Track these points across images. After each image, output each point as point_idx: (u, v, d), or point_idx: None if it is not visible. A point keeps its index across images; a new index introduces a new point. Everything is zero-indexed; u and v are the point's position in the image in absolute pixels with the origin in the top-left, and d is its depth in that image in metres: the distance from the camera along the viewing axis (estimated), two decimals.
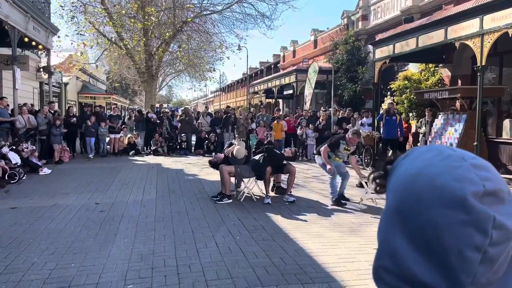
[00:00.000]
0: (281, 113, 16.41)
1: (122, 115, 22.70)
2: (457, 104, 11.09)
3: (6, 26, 10.78)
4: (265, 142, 8.98)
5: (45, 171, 10.28)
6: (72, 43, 20.09)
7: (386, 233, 0.64)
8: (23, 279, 3.71)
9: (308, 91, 17.16)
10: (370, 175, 0.76)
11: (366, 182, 7.08)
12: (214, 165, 7.82)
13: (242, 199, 7.16)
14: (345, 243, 4.89)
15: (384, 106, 12.21)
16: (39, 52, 15.39)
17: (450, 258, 0.56)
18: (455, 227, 0.56)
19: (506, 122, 10.19)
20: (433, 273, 0.58)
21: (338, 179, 7.15)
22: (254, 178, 7.39)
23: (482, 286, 0.57)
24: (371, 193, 6.80)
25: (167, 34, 19.44)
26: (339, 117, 14.22)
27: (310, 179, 9.82)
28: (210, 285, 3.60)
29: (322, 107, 16.65)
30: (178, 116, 16.91)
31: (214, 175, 8.85)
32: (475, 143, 8.51)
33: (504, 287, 0.59)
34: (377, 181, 0.73)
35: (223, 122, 15.64)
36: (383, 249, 0.64)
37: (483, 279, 0.56)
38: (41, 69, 15.72)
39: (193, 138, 16.82)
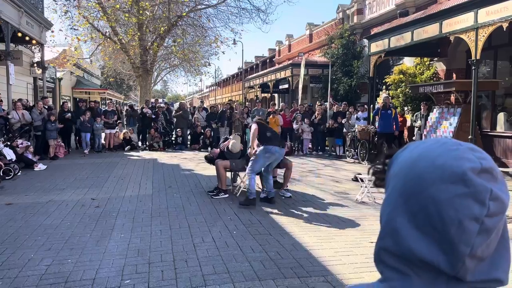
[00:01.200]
0: (276, 107, 16.39)
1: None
2: (452, 97, 11.13)
3: None
4: None
5: (40, 167, 10.23)
6: (66, 38, 19.98)
7: (388, 215, 0.67)
8: (20, 275, 3.71)
9: (300, 86, 17.30)
10: (369, 169, 0.79)
11: (361, 178, 7.10)
12: (210, 160, 7.82)
13: (238, 194, 7.17)
14: (341, 237, 4.92)
15: (380, 100, 12.24)
16: (33, 47, 15.25)
17: (450, 230, 0.60)
18: (455, 200, 0.60)
19: (501, 116, 10.26)
20: (432, 248, 0.61)
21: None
22: None
23: (477, 259, 0.61)
24: (365, 187, 6.83)
25: (162, 28, 19.31)
26: (335, 111, 14.24)
27: (306, 173, 9.85)
28: (207, 280, 3.62)
29: (317, 101, 16.66)
30: (174, 112, 16.86)
31: (210, 170, 8.86)
32: (469, 137, 8.56)
33: (494, 265, 0.64)
34: (377, 175, 0.76)
35: (219, 117, 15.62)
36: (385, 231, 0.67)
37: (479, 251, 0.61)
38: (35, 64, 15.60)
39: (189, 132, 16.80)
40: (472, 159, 0.61)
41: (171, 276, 3.69)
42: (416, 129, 11.66)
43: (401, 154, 0.70)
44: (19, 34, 12.34)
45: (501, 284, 0.64)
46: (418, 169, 0.63)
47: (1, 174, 8.58)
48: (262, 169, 6.80)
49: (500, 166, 9.41)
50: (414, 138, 11.77)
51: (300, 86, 17.18)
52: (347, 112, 13.86)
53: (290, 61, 21.47)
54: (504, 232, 0.65)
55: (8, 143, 9.86)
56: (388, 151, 0.75)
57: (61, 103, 16.71)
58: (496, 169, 0.63)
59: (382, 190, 0.72)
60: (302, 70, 16.79)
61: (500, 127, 10.18)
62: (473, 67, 8.47)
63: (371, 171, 0.78)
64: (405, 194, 0.64)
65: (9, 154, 9.35)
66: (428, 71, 12.34)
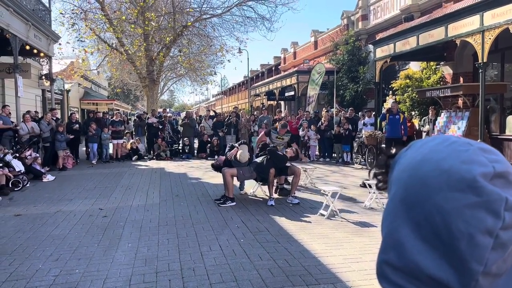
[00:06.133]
0: (282, 115, 16.37)
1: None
2: (460, 101, 11.05)
3: (7, 35, 10.82)
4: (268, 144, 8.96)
5: (49, 177, 10.29)
6: (73, 50, 20.20)
7: (390, 225, 0.59)
8: (28, 285, 3.71)
9: (313, 92, 17.02)
10: (370, 171, 0.72)
11: (369, 184, 7.04)
12: (217, 168, 7.81)
13: (326, 216, 6.28)
14: (350, 243, 4.87)
15: (386, 105, 12.19)
16: (41, 60, 15.44)
17: (460, 245, 0.52)
18: (465, 211, 0.52)
19: (510, 119, 10.14)
20: (441, 264, 0.54)
21: None
22: (259, 182, 7.40)
23: (492, 277, 0.54)
24: (374, 192, 6.77)
25: (168, 38, 19.47)
26: (341, 118, 14.18)
27: (314, 180, 9.78)
28: None
29: (324, 108, 16.62)
30: (181, 120, 16.94)
31: (217, 178, 8.84)
32: (478, 141, 8.46)
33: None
34: (379, 177, 0.69)
35: (227, 126, 15.65)
36: (387, 242, 0.60)
37: (494, 268, 0.53)
38: (43, 77, 15.77)
39: (195, 141, 16.83)
40: (484, 163, 0.53)
41: (179, 285, 3.66)
42: (424, 134, 11.56)
43: (404, 154, 0.62)
44: (27, 47, 12.49)
45: None
46: (421, 173, 0.56)
47: (10, 186, 8.64)
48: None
49: None
50: None
51: (316, 92, 16.92)
52: (354, 117, 13.80)
53: (296, 68, 21.51)
54: None
55: (17, 154, 9.94)
56: (390, 151, 0.68)
57: (69, 115, 16.84)
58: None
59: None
60: (319, 77, 16.55)
61: (509, 130, 10.06)
62: (480, 70, 8.40)
63: (372, 173, 0.70)
64: (408, 202, 0.57)
65: (18, 166, 9.42)
66: (435, 75, 12.28)
